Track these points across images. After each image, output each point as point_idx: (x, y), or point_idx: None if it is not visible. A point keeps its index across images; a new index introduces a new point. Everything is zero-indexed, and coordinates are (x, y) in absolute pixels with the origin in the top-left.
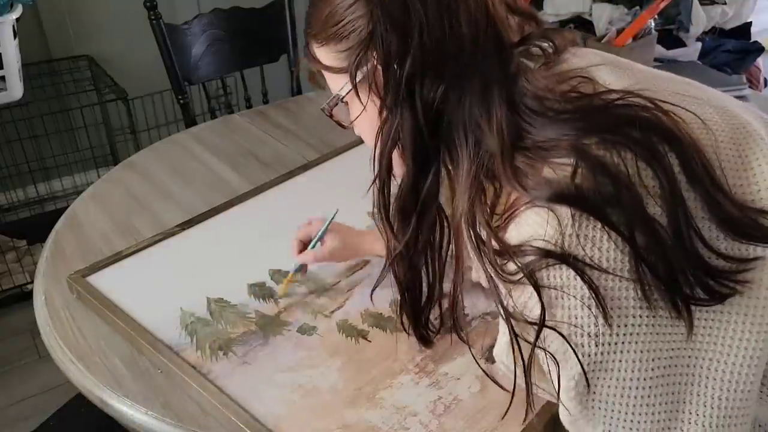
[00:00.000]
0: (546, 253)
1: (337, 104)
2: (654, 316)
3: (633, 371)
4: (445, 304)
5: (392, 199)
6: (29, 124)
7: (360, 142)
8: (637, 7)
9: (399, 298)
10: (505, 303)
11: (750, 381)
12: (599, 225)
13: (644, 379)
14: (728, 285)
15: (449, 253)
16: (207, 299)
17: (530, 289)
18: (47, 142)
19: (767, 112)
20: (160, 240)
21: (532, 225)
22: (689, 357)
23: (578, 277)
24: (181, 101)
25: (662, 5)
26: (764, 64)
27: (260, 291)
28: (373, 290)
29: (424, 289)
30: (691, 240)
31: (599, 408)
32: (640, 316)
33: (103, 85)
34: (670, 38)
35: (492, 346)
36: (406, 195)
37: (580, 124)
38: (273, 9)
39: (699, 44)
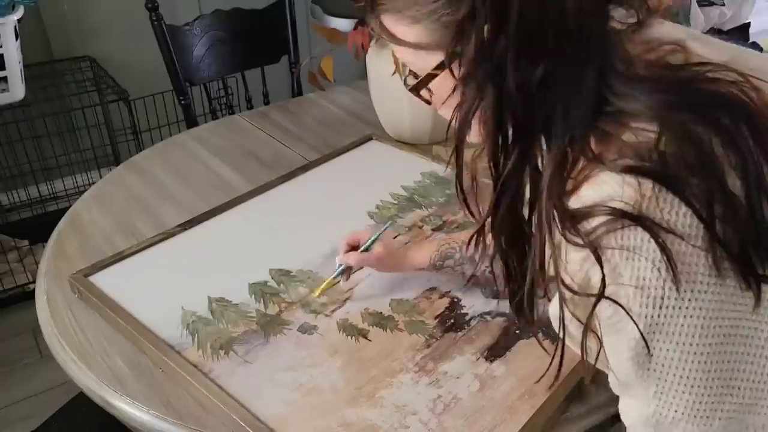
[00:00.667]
0: (622, 214)
1: (429, 83)
2: (722, 284)
3: (694, 336)
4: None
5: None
6: (31, 124)
7: (359, 142)
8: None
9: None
10: (562, 273)
11: None
12: (678, 190)
13: (705, 345)
14: None
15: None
16: (208, 298)
17: (595, 254)
18: (49, 143)
19: None
20: (161, 240)
21: (611, 185)
22: (752, 328)
23: (652, 240)
24: (183, 102)
25: (661, 7)
26: None
27: (261, 290)
28: (469, 279)
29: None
30: (765, 218)
31: (654, 370)
32: (708, 284)
33: (105, 85)
34: None
35: (491, 347)
36: (493, 167)
37: (668, 97)
38: (274, 10)
39: None
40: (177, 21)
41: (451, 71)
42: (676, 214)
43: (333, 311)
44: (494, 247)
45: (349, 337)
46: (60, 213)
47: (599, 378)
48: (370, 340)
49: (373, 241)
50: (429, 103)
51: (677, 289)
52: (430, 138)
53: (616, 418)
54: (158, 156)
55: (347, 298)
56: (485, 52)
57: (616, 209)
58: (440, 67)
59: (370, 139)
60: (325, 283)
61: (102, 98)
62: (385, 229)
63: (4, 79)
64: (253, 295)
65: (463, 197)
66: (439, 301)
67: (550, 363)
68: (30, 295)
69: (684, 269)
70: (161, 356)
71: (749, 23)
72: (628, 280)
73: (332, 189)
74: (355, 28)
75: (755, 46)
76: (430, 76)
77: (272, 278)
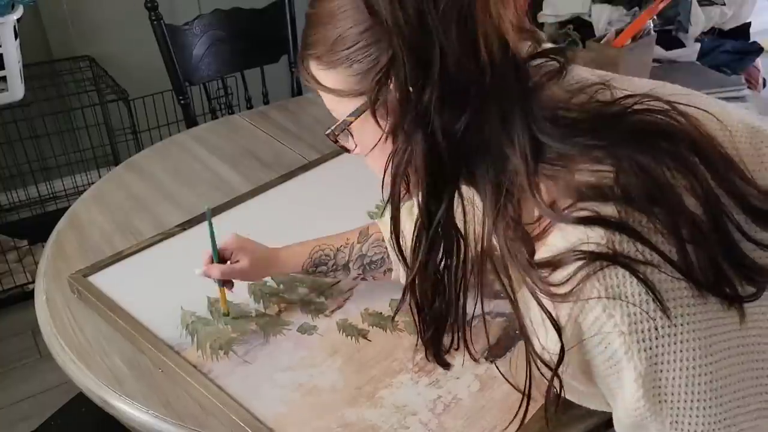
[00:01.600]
0: (597, 256)
1: (344, 129)
2: (706, 303)
3: (695, 358)
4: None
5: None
6: (30, 124)
7: None
8: (636, 8)
9: (416, 322)
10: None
11: None
12: (645, 221)
13: (707, 365)
14: None
15: (465, 276)
16: (207, 299)
17: (579, 307)
18: (48, 143)
19: (766, 112)
20: (160, 240)
21: (578, 229)
22: (746, 344)
23: (632, 276)
24: (182, 102)
25: (661, 6)
26: (763, 65)
27: (261, 290)
28: (393, 315)
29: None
30: (730, 232)
31: (665, 401)
32: (695, 305)
33: (104, 85)
34: (669, 39)
35: (491, 347)
36: (420, 222)
37: (606, 133)
38: (273, 10)
39: (698, 45)
40: (176, 20)
41: (375, 119)
42: (648, 245)
43: (333, 311)
44: (409, 292)
45: (349, 337)
46: (59, 213)
47: None
48: (369, 341)
49: (214, 247)
50: (348, 151)
51: (668, 317)
52: None
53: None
54: (158, 156)
55: (347, 298)
56: (409, 100)
57: (590, 252)
58: (355, 113)
59: None
60: (221, 300)
61: (101, 98)
62: (212, 229)
63: (4, 78)
64: (252, 295)
65: (398, 247)
66: None
67: (518, 410)
68: (29, 295)
69: (669, 296)
70: (160, 356)
71: (749, 23)
72: (620, 320)
73: (332, 189)
74: None
75: (755, 45)
76: (345, 123)
77: (272, 278)
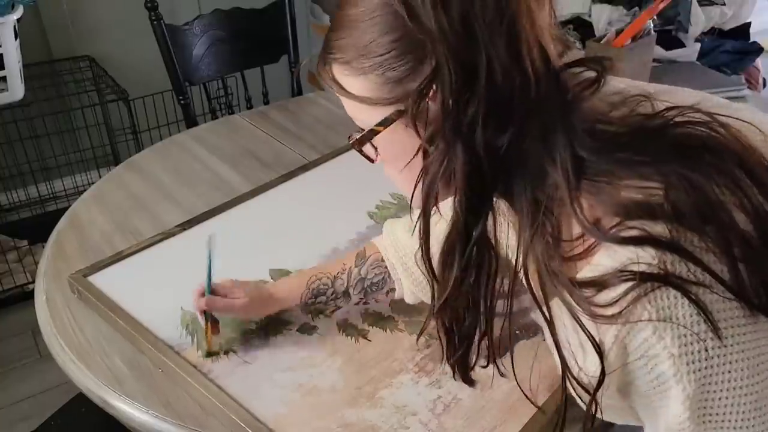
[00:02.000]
0: (648, 276)
1: (371, 138)
2: (756, 323)
3: (743, 379)
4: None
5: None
6: (30, 124)
7: None
8: (636, 8)
9: (444, 342)
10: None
11: None
12: (696, 240)
13: (754, 384)
14: None
15: (494, 293)
16: None
17: (627, 328)
18: (48, 143)
19: (766, 112)
20: (160, 240)
21: (629, 248)
22: None
23: (684, 297)
24: (182, 102)
25: (661, 6)
26: (763, 65)
27: None
28: (419, 336)
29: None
30: None
31: (710, 421)
32: (745, 325)
33: (104, 85)
34: (669, 39)
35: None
36: (454, 237)
37: (650, 147)
38: (273, 10)
39: (698, 45)
40: (176, 20)
41: (415, 128)
42: (699, 265)
43: (333, 312)
44: (440, 312)
45: (349, 337)
46: (59, 213)
47: None
48: (369, 341)
49: (210, 280)
50: (372, 161)
51: (719, 338)
52: None
53: None
54: (158, 156)
55: None
56: (451, 112)
57: (641, 272)
58: (384, 123)
59: None
60: (207, 339)
61: (101, 98)
62: (210, 261)
63: (4, 78)
64: None
65: (429, 264)
66: None
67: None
68: (29, 295)
69: (720, 317)
70: (160, 356)
71: (749, 23)
72: (670, 342)
73: (332, 189)
74: None
75: (755, 45)
76: (373, 132)
77: (272, 278)
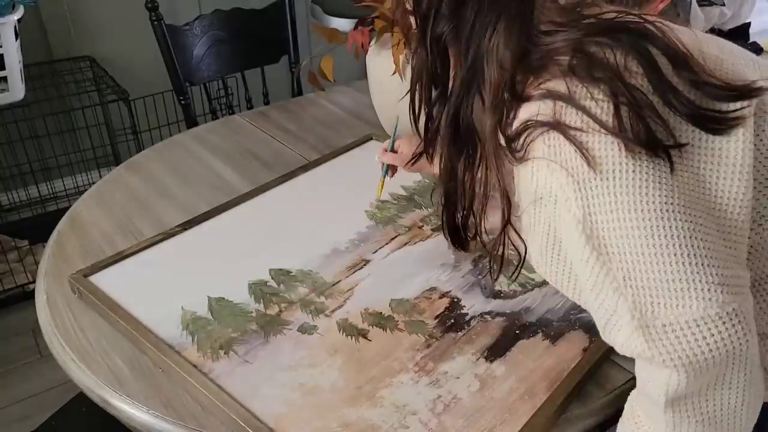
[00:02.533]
0: (542, 124)
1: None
2: (639, 163)
3: (629, 212)
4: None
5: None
6: (31, 124)
7: (359, 142)
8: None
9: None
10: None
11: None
12: (586, 93)
13: (642, 220)
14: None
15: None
16: (208, 298)
17: (531, 166)
18: (49, 143)
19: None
20: (161, 240)
21: (535, 105)
22: (674, 188)
23: (566, 139)
24: (183, 102)
25: (661, 6)
26: None
27: (261, 290)
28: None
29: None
30: (675, 96)
31: (610, 253)
32: (626, 164)
33: (105, 85)
34: None
35: (491, 347)
36: (444, 121)
37: (580, 32)
38: (274, 10)
39: None
40: (177, 21)
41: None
42: (587, 114)
43: (333, 311)
44: (449, 184)
45: (349, 337)
46: (60, 213)
47: (599, 378)
48: (370, 340)
49: (393, 141)
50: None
51: (596, 171)
52: None
53: (615, 419)
54: (158, 156)
55: (347, 298)
56: (415, 15)
57: (537, 120)
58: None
59: (370, 139)
60: (379, 185)
61: (102, 98)
62: (397, 127)
63: (4, 79)
64: (252, 295)
65: (416, 122)
66: (439, 301)
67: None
68: (30, 295)
69: (600, 154)
70: (161, 356)
71: (749, 23)
72: (559, 175)
73: (332, 189)
74: (355, 28)
75: (755, 45)
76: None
77: (272, 278)
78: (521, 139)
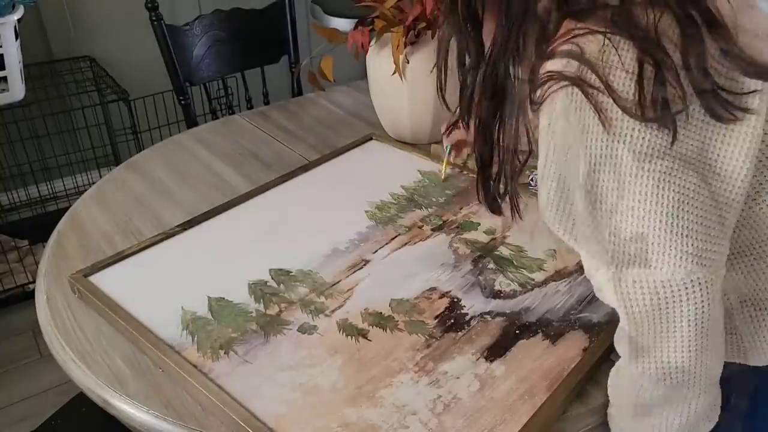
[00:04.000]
0: (564, 77)
1: None
2: (644, 124)
3: (631, 169)
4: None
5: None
6: (31, 124)
7: (359, 142)
8: None
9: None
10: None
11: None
12: (615, 55)
13: (642, 177)
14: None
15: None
16: (208, 298)
17: (551, 115)
18: (49, 143)
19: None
20: (161, 240)
21: (562, 62)
22: (676, 158)
23: (583, 95)
24: (183, 102)
25: None
26: None
27: (261, 290)
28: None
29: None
30: (698, 69)
31: (602, 209)
32: (636, 128)
33: (105, 85)
34: None
35: (491, 347)
36: (480, 82)
37: None
38: (274, 10)
39: None
40: (177, 21)
41: None
42: (612, 76)
43: (333, 311)
44: (483, 141)
45: (349, 337)
46: (60, 213)
47: (599, 378)
48: (370, 340)
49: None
50: None
51: (608, 133)
52: (429, 138)
53: None
54: (158, 156)
55: (347, 298)
56: None
57: (559, 72)
58: None
59: (370, 139)
60: (444, 164)
61: (102, 98)
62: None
63: (4, 79)
64: (252, 295)
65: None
66: (439, 301)
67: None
68: (30, 295)
69: (613, 115)
70: (161, 356)
71: None
72: (575, 122)
73: (332, 189)
74: (355, 28)
75: None
76: None
77: (272, 278)
78: (545, 88)
